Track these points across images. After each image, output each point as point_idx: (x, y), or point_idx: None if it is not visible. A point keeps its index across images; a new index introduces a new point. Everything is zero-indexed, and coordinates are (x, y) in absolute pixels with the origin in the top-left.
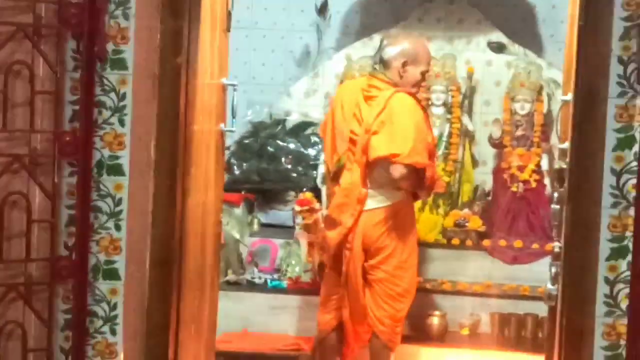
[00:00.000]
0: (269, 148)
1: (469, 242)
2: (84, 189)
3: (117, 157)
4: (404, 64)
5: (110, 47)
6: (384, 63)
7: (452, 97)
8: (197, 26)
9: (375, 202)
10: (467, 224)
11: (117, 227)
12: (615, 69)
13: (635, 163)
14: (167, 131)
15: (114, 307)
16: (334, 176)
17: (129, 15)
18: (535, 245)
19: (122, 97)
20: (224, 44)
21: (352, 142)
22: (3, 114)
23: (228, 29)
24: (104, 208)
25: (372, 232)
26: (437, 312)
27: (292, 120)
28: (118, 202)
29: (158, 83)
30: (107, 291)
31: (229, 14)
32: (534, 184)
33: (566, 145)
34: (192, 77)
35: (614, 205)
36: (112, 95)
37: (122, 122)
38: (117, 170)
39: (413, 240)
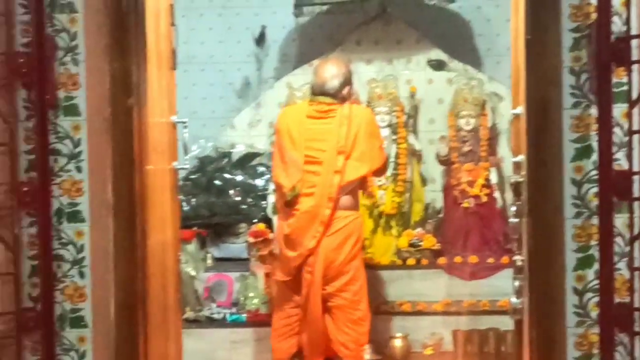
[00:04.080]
0: (216, 182)
1: (424, 262)
2: (45, 238)
3: (76, 204)
4: (349, 90)
5: (61, 93)
6: (329, 95)
7: (397, 117)
8: (144, 66)
9: (337, 224)
10: (421, 244)
11: (81, 274)
12: (567, 79)
13: (595, 172)
14: (123, 173)
15: (82, 355)
16: (289, 203)
17: (78, 60)
18: (490, 260)
19: (77, 143)
20: (171, 81)
21: (313, 163)
22: None
23: (174, 67)
24: (66, 256)
25: (334, 256)
26: (399, 334)
27: (238, 152)
28: (80, 249)
29: (111, 126)
30: (75, 339)
31: (173, 52)
32: (484, 199)
33: (520, 158)
34: (143, 117)
35: (577, 215)
36: (67, 142)
37: (78, 169)
38: (76, 217)
39: (362, 261)
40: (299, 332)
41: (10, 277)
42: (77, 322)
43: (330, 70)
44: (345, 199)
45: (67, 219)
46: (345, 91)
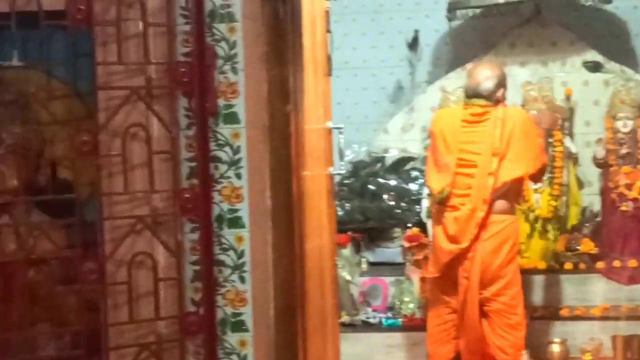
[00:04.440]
0: (370, 186)
1: (582, 266)
2: (207, 244)
3: (236, 210)
4: (504, 92)
5: (221, 101)
6: (483, 97)
7: None
8: (301, 73)
9: (493, 228)
10: (578, 248)
11: (242, 279)
12: None
13: None
14: (281, 179)
15: (243, 359)
16: (441, 204)
17: (237, 69)
18: None
19: (237, 151)
20: (326, 87)
21: (468, 167)
22: (124, 177)
23: (329, 73)
24: (227, 261)
25: (490, 260)
26: (556, 339)
27: (391, 156)
28: (240, 254)
29: (269, 133)
30: (236, 343)
31: (328, 58)
32: None
33: None
34: (300, 124)
35: None
36: (227, 149)
37: (238, 175)
38: (237, 222)
39: (518, 266)
40: (456, 337)
41: (174, 281)
42: (238, 326)
43: (484, 73)
44: (501, 203)
45: (227, 224)
46: (499, 93)
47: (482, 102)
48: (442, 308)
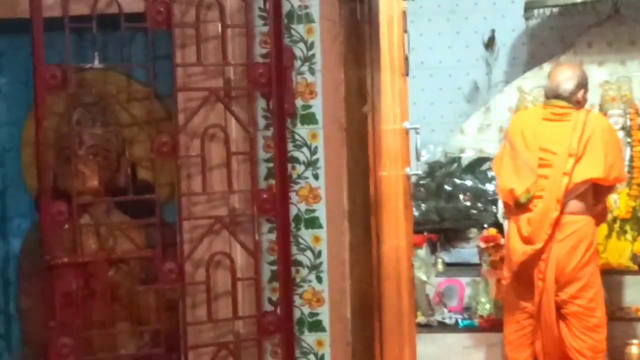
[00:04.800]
0: (446, 187)
1: None
2: (284, 244)
3: (313, 211)
4: (584, 94)
5: (299, 102)
6: (563, 98)
7: (631, 120)
8: (378, 74)
9: (568, 228)
10: None
11: (319, 279)
12: None
13: None
14: (358, 180)
15: (321, 358)
16: (521, 207)
17: (315, 70)
18: None
19: (314, 151)
20: (403, 88)
21: (544, 166)
22: (202, 177)
23: (406, 73)
24: (304, 261)
25: (566, 262)
26: (635, 341)
27: (467, 157)
28: (318, 255)
29: (347, 133)
30: (313, 343)
31: (406, 59)
32: None
33: None
34: (377, 125)
35: None
36: (305, 150)
37: (315, 176)
38: (314, 223)
39: (597, 267)
40: (534, 342)
41: (252, 281)
42: (316, 326)
43: (564, 74)
44: (575, 204)
45: (304, 225)
46: (579, 94)
47: (562, 103)
48: (519, 313)
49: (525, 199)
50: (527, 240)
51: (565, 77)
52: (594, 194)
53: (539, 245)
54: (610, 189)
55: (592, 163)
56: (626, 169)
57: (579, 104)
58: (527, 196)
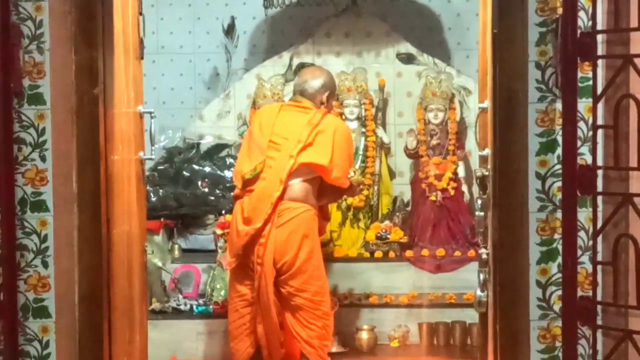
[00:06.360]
0: (184, 173)
1: (392, 254)
2: (9, 227)
3: (40, 194)
4: (328, 97)
5: (26, 82)
6: (307, 95)
7: (366, 110)
8: (111, 56)
9: (287, 214)
10: (388, 236)
11: (45, 264)
12: (533, 74)
13: (559, 166)
14: (87, 163)
15: (46, 346)
16: (246, 184)
17: (44, 49)
18: (457, 253)
19: (42, 133)
20: (138, 71)
21: (274, 149)
22: None
23: (141, 57)
24: (29, 246)
25: (284, 247)
26: (365, 326)
27: (206, 143)
28: (44, 239)
29: (76, 116)
30: (38, 330)
31: (141, 41)
32: (452, 192)
33: (486, 152)
34: (109, 107)
35: (541, 209)
36: (32, 131)
37: (43, 158)
38: (40, 206)
39: (321, 260)
40: (254, 330)
41: None
42: (41, 312)
43: (313, 73)
44: (298, 191)
45: (30, 208)
46: (324, 96)
47: (305, 100)
48: (239, 301)
49: (250, 176)
50: (247, 221)
51: (313, 77)
52: (320, 190)
53: (258, 224)
54: (336, 192)
55: (319, 152)
56: (360, 158)
57: (323, 106)
58: (253, 174)
